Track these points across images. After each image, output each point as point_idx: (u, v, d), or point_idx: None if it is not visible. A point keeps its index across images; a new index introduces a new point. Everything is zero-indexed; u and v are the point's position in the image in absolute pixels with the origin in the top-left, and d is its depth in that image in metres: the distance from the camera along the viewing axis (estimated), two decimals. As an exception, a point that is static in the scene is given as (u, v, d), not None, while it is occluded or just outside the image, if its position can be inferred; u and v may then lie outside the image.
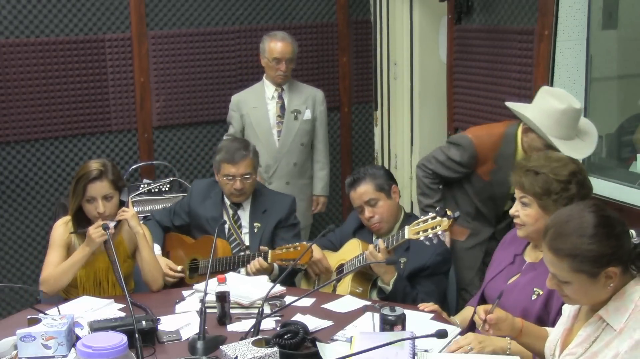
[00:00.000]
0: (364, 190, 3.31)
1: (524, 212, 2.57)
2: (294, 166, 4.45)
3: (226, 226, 3.63)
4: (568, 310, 2.18)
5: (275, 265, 3.40)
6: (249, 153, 3.58)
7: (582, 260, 1.96)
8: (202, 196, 3.72)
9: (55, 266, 3.08)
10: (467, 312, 2.84)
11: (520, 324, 2.29)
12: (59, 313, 2.73)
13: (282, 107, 4.42)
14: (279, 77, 4.36)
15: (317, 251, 3.36)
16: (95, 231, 3.00)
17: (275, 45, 4.31)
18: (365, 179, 3.33)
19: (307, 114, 4.47)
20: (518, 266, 2.68)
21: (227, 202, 3.66)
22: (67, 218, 3.18)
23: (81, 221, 3.13)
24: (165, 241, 3.79)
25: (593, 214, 2.00)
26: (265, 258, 3.30)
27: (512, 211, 2.62)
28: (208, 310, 2.69)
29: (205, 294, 2.75)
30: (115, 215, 3.12)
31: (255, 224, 3.62)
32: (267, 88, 4.44)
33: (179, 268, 3.49)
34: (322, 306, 2.92)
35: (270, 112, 4.41)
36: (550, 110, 3.20)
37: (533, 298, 2.52)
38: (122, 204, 3.15)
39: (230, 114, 4.49)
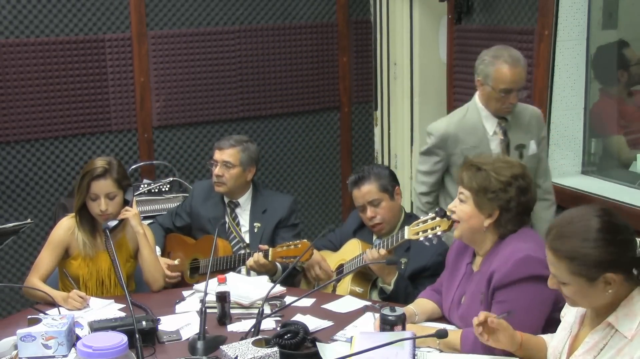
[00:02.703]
0: (368, 190, 3.30)
1: (459, 208, 2.55)
2: None
3: (226, 225, 3.64)
4: (573, 316, 2.16)
5: (279, 266, 3.40)
6: (238, 145, 3.64)
7: (579, 263, 1.95)
8: (203, 197, 3.74)
9: (43, 273, 3.10)
10: (420, 302, 2.79)
11: (520, 338, 2.25)
12: (59, 313, 2.73)
13: (507, 145, 3.37)
14: (506, 109, 3.34)
15: (316, 254, 3.36)
16: (72, 302, 2.93)
17: (505, 73, 3.24)
18: (370, 178, 3.31)
19: (533, 147, 3.40)
20: (467, 278, 2.63)
21: (226, 201, 3.68)
22: (72, 214, 3.19)
23: (85, 218, 3.14)
24: (167, 242, 3.81)
25: (598, 219, 1.98)
26: (266, 256, 3.30)
27: (450, 206, 2.60)
28: (208, 310, 2.69)
29: (205, 294, 2.75)
30: (118, 213, 3.12)
31: (255, 224, 3.63)
32: (487, 122, 3.36)
33: (176, 261, 3.50)
34: (322, 306, 2.92)
35: (493, 152, 3.33)
36: None
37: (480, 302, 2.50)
38: (126, 203, 3.16)
39: (432, 151, 3.43)
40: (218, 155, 3.64)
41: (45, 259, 3.12)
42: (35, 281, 3.07)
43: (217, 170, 3.61)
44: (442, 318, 2.76)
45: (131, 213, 3.14)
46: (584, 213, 2.02)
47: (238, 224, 3.66)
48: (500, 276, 2.41)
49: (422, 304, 2.76)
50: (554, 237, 2.01)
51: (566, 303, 2.20)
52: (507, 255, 2.43)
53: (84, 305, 2.93)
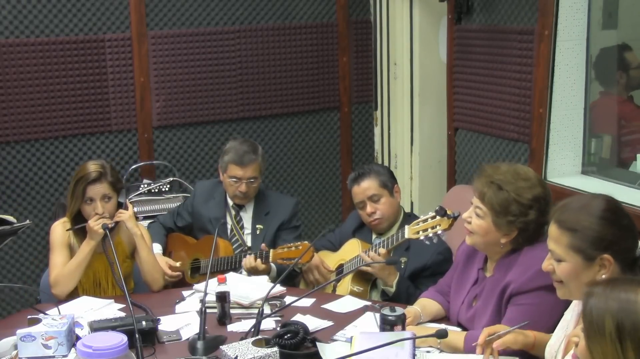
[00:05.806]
0: (368, 185, 3.32)
1: (476, 221, 2.51)
2: None
3: (228, 226, 3.64)
4: (569, 314, 2.17)
5: (273, 266, 3.41)
6: (258, 157, 3.59)
7: (581, 237, 1.98)
8: (205, 197, 3.74)
9: (62, 267, 3.08)
10: (424, 302, 2.80)
11: (533, 338, 2.26)
12: (59, 313, 2.73)
13: None
14: None
15: (315, 258, 3.36)
16: (95, 224, 3.00)
17: None
18: (370, 174, 3.34)
19: None
20: (480, 284, 2.63)
21: (230, 203, 3.67)
22: (64, 219, 3.19)
23: (79, 223, 3.13)
24: (168, 241, 3.80)
25: (605, 201, 2.04)
26: (267, 257, 3.30)
27: (464, 216, 2.56)
28: (208, 310, 2.69)
29: (205, 294, 2.75)
30: (113, 216, 3.13)
31: (257, 226, 3.63)
32: None
33: (178, 263, 3.51)
34: (322, 306, 2.92)
35: None
36: None
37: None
38: (120, 205, 3.16)
39: None
40: (240, 173, 3.54)
41: (60, 258, 3.11)
42: (57, 271, 3.07)
43: (242, 188, 3.56)
44: (444, 319, 2.76)
45: (126, 215, 3.14)
46: (592, 196, 2.09)
47: (242, 227, 3.65)
48: (518, 285, 2.42)
49: (426, 305, 2.76)
50: (561, 210, 2.04)
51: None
52: (524, 267, 2.44)
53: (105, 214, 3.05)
